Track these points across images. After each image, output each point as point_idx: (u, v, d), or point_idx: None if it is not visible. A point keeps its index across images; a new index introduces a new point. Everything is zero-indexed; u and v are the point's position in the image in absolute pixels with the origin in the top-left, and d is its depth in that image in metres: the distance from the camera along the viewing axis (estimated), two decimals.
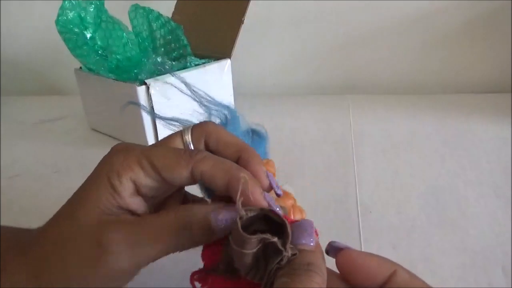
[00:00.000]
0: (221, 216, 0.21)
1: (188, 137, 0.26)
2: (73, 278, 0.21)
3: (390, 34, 0.69)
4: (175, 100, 0.51)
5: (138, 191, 0.23)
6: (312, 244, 0.19)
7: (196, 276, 0.22)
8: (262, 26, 0.71)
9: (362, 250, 0.32)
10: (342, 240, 0.21)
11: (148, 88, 0.48)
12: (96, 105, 0.57)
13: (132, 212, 0.23)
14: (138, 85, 0.47)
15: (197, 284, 0.22)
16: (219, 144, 0.25)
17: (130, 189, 0.22)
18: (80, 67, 0.56)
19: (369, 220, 0.36)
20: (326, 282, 0.18)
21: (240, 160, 0.24)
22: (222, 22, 0.58)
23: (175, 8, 0.64)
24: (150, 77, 0.49)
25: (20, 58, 0.83)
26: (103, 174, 0.23)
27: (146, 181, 0.23)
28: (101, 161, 0.24)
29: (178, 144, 0.25)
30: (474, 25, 0.66)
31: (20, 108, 0.73)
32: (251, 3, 0.56)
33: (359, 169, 0.45)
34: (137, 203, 0.23)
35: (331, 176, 0.44)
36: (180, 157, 0.23)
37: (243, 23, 0.56)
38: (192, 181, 0.23)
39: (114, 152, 0.24)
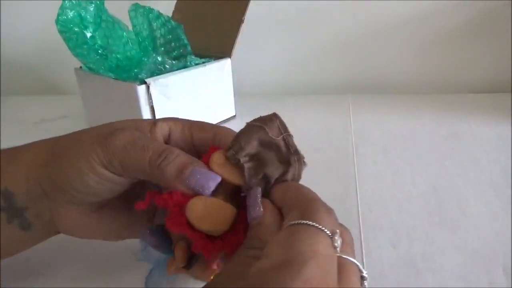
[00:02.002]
0: (199, 175, 0.23)
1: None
2: (85, 166, 0.24)
3: (390, 34, 0.69)
4: (175, 100, 0.51)
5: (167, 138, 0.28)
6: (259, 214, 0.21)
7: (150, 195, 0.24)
8: (262, 26, 0.71)
9: (363, 249, 0.33)
10: None
11: (148, 88, 0.48)
12: (96, 105, 0.57)
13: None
14: (138, 85, 0.47)
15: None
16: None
17: (165, 133, 0.27)
18: (80, 67, 0.56)
19: (370, 219, 0.36)
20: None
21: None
22: (222, 22, 0.58)
23: (175, 8, 0.64)
24: (150, 77, 0.49)
25: (20, 58, 0.83)
26: (145, 120, 0.28)
27: (178, 134, 0.28)
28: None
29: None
30: (474, 25, 0.66)
31: (20, 108, 0.73)
32: (251, 3, 0.56)
33: (359, 168, 0.45)
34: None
35: (331, 175, 0.44)
36: (214, 125, 0.29)
37: (243, 22, 0.56)
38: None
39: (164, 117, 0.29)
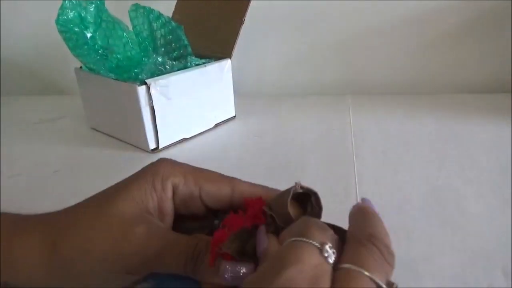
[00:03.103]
0: (230, 267, 0.22)
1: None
2: (93, 251, 0.23)
3: (390, 34, 0.69)
4: (175, 100, 0.51)
5: (174, 198, 0.26)
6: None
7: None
8: (263, 26, 0.71)
9: None
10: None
11: (148, 88, 0.48)
12: (96, 105, 0.57)
13: (160, 214, 0.26)
14: (139, 85, 0.47)
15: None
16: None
17: (169, 192, 0.25)
18: (81, 67, 0.56)
19: None
20: None
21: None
22: (223, 22, 0.58)
23: (175, 8, 0.64)
24: (150, 77, 0.49)
25: (20, 58, 0.83)
26: (148, 174, 0.25)
27: (183, 189, 0.26)
28: (147, 166, 0.26)
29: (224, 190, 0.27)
30: (474, 25, 0.66)
31: (20, 108, 0.73)
32: (251, 3, 0.56)
33: (359, 168, 0.45)
34: (167, 208, 0.26)
35: (331, 176, 0.44)
36: (223, 176, 0.27)
37: (243, 23, 0.56)
38: (230, 201, 0.26)
39: (162, 161, 0.27)
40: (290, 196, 0.23)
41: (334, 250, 0.19)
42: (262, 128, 0.58)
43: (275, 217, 0.23)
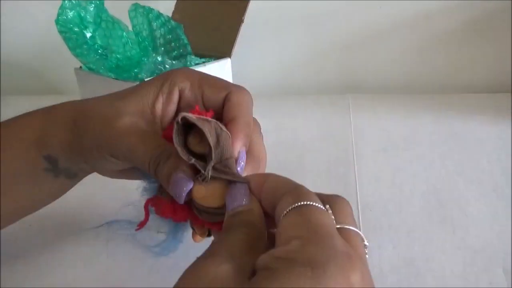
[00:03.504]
0: (174, 184, 0.24)
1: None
2: (94, 131, 0.27)
3: (390, 34, 0.69)
4: None
5: (180, 102, 0.28)
6: (244, 203, 0.21)
7: (150, 202, 0.27)
8: (262, 26, 0.71)
9: None
10: None
11: None
12: None
13: (164, 115, 0.28)
14: None
15: (151, 209, 0.27)
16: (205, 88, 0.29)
17: (175, 96, 0.28)
18: (80, 67, 0.56)
19: (369, 219, 0.36)
20: (261, 235, 0.20)
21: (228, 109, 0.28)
22: (222, 22, 0.58)
23: (175, 7, 0.64)
24: (150, 76, 0.49)
25: (20, 58, 0.83)
26: (159, 79, 0.28)
27: (188, 93, 0.28)
28: (162, 73, 0.30)
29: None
30: (474, 25, 0.66)
31: (20, 108, 0.73)
32: (251, 3, 0.56)
33: (359, 168, 0.45)
34: (169, 110, 0.28)
35: (331, 175, 0.44)
36: (226, 83, 0.29)
37: (243, 22, 0.56)
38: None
39: (176, 69, 0.29)
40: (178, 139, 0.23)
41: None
42: (262, 128, 0.58)
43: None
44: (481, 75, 0.69)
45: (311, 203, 0.19)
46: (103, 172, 0.31)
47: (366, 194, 0.40)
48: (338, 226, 0.19)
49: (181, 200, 0.23)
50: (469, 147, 0.49)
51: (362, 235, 0.19)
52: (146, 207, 0.27)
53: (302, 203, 0.19)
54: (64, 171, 0.29)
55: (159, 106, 0.28)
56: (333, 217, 0.19)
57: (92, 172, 0.31)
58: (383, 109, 0.62)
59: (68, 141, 0.28)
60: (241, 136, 0.26)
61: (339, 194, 0.40)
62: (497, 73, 0.68)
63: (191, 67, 0.52)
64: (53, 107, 0.31)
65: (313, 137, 0.54)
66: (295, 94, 0.73)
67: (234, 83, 0.62)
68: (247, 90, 0.29)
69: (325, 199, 0.21)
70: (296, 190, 0.20)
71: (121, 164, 0.28)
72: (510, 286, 0.28)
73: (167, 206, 0.26)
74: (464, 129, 0.54)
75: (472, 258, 0.31)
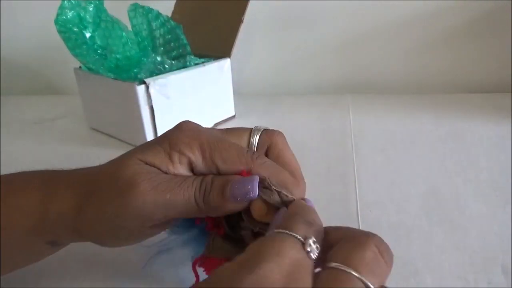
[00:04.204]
0: (237, 185, 0.23)
1: (255, 139, 0.27)
2: (106, 213, 0.24)
3: (390, 34, 0.69)
4: (174, 99, 0.51)
5: (190, 169, 0.25)
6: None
7: (198, 262, 0.25)
8: (262, 26, 0.71)
9: None
10: None
11: (147, 87, 0.48)
12: (95, 105, 0.57)
13: None
14: (138, 84, 0.47)
15: (199, 270, 0.25)
16: (278, 160, 0.27)
17: (184, 166, 0.25)
18: (80, 67, 0.56)
19: (369, 219, 0.36)
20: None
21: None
22: (222, 22, 0.58)
23: (174, 8, 0.64)
24: (149, 76, 0.49)
25: (20, 58, 0.83)
26: (165, 145, 0.25)
27: (201, 167, 0.25)
28: (167, 133, 0.26)
29: (243, 140, 0.27)
30: (474, 25, 0.66)
31: (20, 107, 0.73)
32: (250, 3, 0.56)
33: (359, 168, 0.45)
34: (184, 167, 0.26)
35: (331, 175, 0.44)
36: (242, 156, 0.25)
37: (242, 22, 0.56)
38: None
39: (182, 130, 0.26)
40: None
41: (318, 246, 0.18)
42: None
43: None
44: (481, 75, 0.69)
45: (281, 231, 0.19)
46: (109, 244, 0.27)
47: (366, 194, 0.40)
48: (329, 265, 0.17)
49: (255, 192, 0.23)
50: (469, 147, 0.49)
51: (366, 281, 0.17)
52: (194, 267, 0.26)
53: (273, 231, 0.19)
54: (57, 244, 0.27)
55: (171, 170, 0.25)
56: (310, 248, 0.18)
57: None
58: (383, 109, 0.62)
59: (74, 225, 0.25)
60: (301, 188, 0.26)
61: (339, 193, 0.40)
62: (497, 73, 0.68)
63: (189, 69, 0.52)
64: (53, 178, 0.27)
65: (313, 137, 0.54)
66: (294, 94, 0.73)
67: (234, 82, 0.62)
68: (278, 133, 0.28)
69: (337, 238, 0.20)
70: (284, 220, 0.20)
71: (139, 227, 0.25)
72: (509, 286, 0.28)
73: (217, 264, 0.25)
74: (464, 129, 0.54)
75: (471, 258, 0.31)
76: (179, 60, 0.53)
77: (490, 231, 0.34)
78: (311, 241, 0.18)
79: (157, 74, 0.50)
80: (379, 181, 0.42)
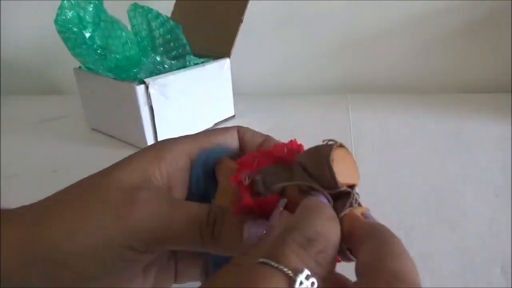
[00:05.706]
0: (254, 230, 0.19)
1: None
2: (88, 227, 0.19)
3: (390, 34, 0.69)
4: (174, 99, 0.51)
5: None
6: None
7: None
8: (262, 26, 0.71)
9: None
10: None
11: (147, 87, 0.48)
12: (95, 105, 0.57)
13: (170, 186, 0.23)
14: (137, 84, 0.47)
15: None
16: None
17: (180, 163, 0.22)
18: (80, 67, 0.56)
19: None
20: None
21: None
22: (221, 22, 0.58)
23: (174, 8, 0.64)
24: (149, 76, 0.49)
25: (20, 58, 0.83)
26: (153, 148, 0.23)
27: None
28: (150, 150, 0.23)
29: (231, 140, 0.26)
30: (474, 25, 0.66)
31: (20, 107, 0.73)
32: (250, 3, 0.56)
33: (359, 168, 0.45)
34: (177, 178, 0.23)
35: None
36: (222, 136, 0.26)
37: (242, 22, 0.56)
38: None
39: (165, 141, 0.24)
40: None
41: (315, 281, 0.14)
42: (262, 128, 0.57)
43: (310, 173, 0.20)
44: (481, 75, 0.69)
45: (267, 261, 0.15)
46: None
47: (365, 193, 0.40)
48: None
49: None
50: (469, 147, 0.48)
51: None
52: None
53: (259, 260, 0.15)
54: None
55: (162, 174, 0.22)
56: (298, 285, 0.14)
57: None
58: (382, 109, 0.62)
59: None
60: None
61: None
62: (497, 73, 0.68)
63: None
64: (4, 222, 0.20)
65: (313, 137, 0.54)
66: (295, 94, 0.73)
67: (233, 82, 0.62)
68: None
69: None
70: (275, 240, 0.16)
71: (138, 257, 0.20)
72: (509, 287, 0.28)
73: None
74: (464, 129, 0.54)
75: (471, 257, 0.31)
76: (179, 60, 0.53)
77: (489, 231, 0.34)
78: (302, 277, 0.14)
79: (156, 74, 0.50)
80: (379, 181, 0.42)
